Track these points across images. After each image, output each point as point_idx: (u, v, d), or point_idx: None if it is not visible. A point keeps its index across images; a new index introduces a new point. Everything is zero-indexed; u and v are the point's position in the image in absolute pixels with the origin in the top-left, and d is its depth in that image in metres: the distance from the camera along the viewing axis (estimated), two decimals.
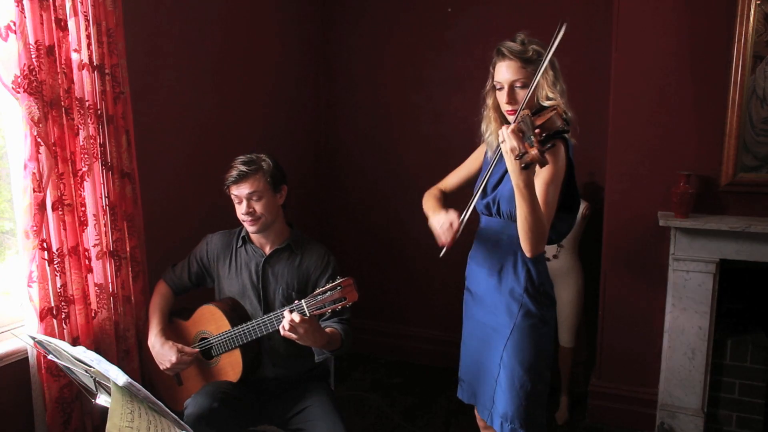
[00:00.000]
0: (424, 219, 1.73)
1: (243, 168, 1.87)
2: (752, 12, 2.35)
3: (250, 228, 1.94)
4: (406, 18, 3.34)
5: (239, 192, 1.88)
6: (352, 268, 3.55)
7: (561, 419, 2.89)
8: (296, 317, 1.67)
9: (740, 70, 2.40)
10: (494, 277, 1.74)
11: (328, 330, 1.85)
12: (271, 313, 1.83)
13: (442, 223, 1.66)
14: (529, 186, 1.46)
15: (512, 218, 1.63)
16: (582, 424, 2.88)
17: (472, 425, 2.81)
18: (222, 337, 1.91)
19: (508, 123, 1.59)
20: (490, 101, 1.72)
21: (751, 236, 2.39)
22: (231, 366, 1.92)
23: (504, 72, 1.60)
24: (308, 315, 1.72)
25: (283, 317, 1.71)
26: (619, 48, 2.63)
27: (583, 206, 2.79)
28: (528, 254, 1.57)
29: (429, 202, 1.82)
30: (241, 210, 1.91)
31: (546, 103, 1.60)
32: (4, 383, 1.83)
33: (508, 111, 1.63)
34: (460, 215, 1.66)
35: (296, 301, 1.76)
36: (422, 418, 2.90)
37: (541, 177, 1.57)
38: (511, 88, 1.60)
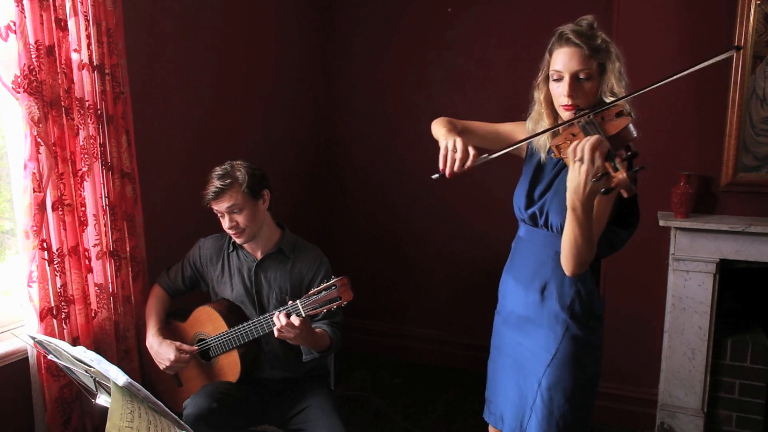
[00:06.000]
0: (425, 219, 1.69)
1: (218, 184, 1.85)
2: (752, 12, 2.35)
3: (237, 240, 1.94)
4: (406, 18, 3.34)
5: (219, 207, 1.88)
6: (352, 267, 3.55)
7: None
8: (295, 320, 1.69)
9: (740, 70, 2.40)
10: (536, 296, 1.55)
11: (317, 330, 1.85)
12: (268, 314, 1.83)
13: (459, 148, 1.36)
14: (589, 210, 1.25)
15: (562, 232, 1.42)
16: None
17: (472, 426, 2.82)
18: (219, 338, 1.91)
19: (561, 120, 1.44)
20: (541, 95, 1.49)
21: (751, 236, 2.39)
22: (229, 366, 1.93)
23: (566, 60, 1.38)
24: (303, 315, 1.72)
25: (279, 318, 1.72)
26: (619, 48, 2.62)
27: None
28: (568, 274, 1.41)
29: (443, 125, 1.52)
30: (224, 224, 1.91)
31: (608, 100, 1.38)
32: (4, 383, 1.83)
33: (564, 105, 1.40)
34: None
35: (291, 302, 1.76)
36: (422, 419, 2.90)
37: None
38: (573, 78, 1.38)
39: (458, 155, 1.35)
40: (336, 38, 3.54)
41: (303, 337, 1.73)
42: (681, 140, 2.56)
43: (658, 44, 2.54)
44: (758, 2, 2.34)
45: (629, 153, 1.18)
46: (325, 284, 1.73)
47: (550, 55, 1.43)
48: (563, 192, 1.34)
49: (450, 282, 3.44)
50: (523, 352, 1.59)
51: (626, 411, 2.80)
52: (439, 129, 1.52)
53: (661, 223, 2.51)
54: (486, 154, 1.37)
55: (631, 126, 1.24)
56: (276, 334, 1.72)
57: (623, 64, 1.42)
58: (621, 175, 1.14)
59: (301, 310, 1.73)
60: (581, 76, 1.38)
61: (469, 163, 1.35)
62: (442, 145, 1.40)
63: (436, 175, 1.38)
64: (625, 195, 1.21)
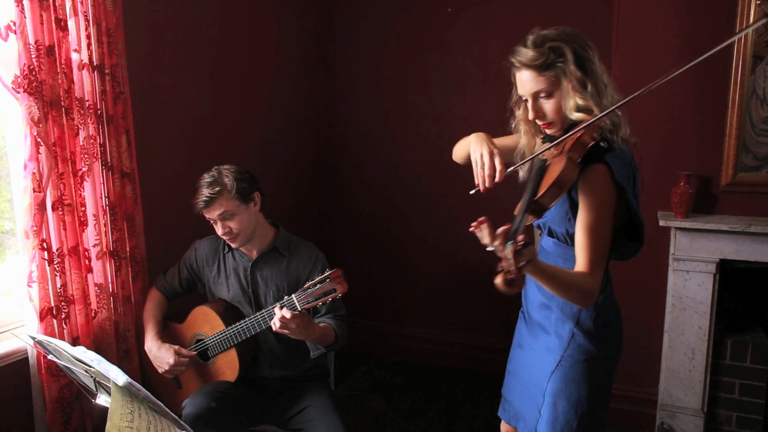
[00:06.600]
0: (425, 219, 1.67)
1: (207, 193, 1.85)
2: (752, 12, 2.35)
3: (232, 245, 1.95)
4: (406, 18, 3.34)
5: (211, 215, 1.89)
6: (352, 267, 3.55)
7: None
8: (287, 313, 1.68)
9: (740, 70, 2.40)
10: (546, 301, 1.55)
11: (321, 325, 1.85)
12: (264, 310, 1.83)
13: (487, 164, 1.38)
14: (542, 271, 1.25)
15: (567, 241, 1.45)
16: None
17: (472, 426, 2.82)
18: (217, 337, 1.91)
19: (544, 135, 1.46)
20: (519, 112, 1.51)
21: (751, 236, 2.39)
22: (228, 366, 1.93)
23: (522, 84, 1.38)
24: (299, 309, 1.72)
25: (276, 312, 1.71)
26: (619, 48, 2.63)
27: None
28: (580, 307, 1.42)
29: (469, 138, 1.53)
30: (218, 231, 1.91)
31: (574, 116, 1.34)
32: (4, 383, 1.83)
33: (542, 125, 1.43)
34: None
35: (286, 297, 1.76)
36: (422, 418, 2.90)
37: (583, 221, 1.35)
38: (535, 100, 1.38)
39: (486, 172, 1.39)
40: (336, 38, 3.54)
41: (302, 331, 1.73)
42: (681, 140, 2.56)
43: (658, 44, 2.54)
44: (758, 2, 2.34)
45: (522, 244, 1.14)
46: (319, 277, 1.73)
47: (513, 78, 1.43)
48: (560, 203, 1.39)
49: (450, 282, 3.44)
50: (534, 355, 1.59)
51: (626, 411, 2.80)
52: (466, 142, 1.54)
53: (661, 223, 2.51)
54: (512, 167, 1.41)
55: (566, 168, 1.23)
56: (274, 329, 1.72)
57: (591, 63, 1.33)
58: (498, 279, 1.13)
59: (297, 304, 1.72)
60: (541, 95, 1.37)
61: (497, 178, 1.38)
62: (472, 157, 1.43)
63: (474, 191, 1.42)
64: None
